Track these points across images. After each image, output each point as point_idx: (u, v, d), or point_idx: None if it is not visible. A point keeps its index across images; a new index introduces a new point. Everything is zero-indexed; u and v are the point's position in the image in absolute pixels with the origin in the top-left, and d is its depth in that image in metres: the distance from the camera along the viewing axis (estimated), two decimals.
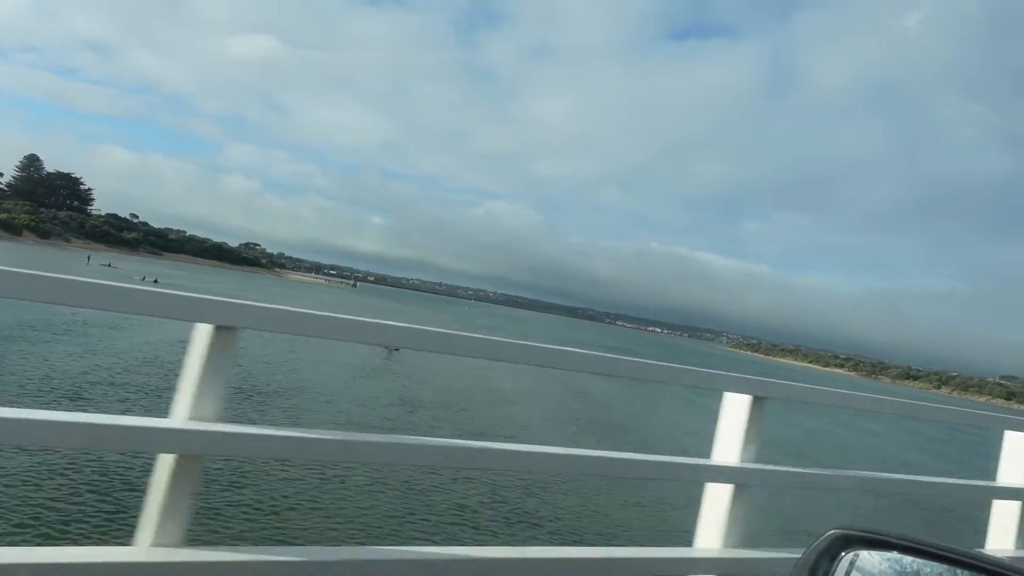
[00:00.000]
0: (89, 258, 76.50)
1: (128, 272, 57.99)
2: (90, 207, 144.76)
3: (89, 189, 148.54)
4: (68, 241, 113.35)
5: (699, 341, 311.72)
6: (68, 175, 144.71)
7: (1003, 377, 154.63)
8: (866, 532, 1.05)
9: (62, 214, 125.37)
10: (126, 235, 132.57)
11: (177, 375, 1.82)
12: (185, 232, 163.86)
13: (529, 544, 6.05)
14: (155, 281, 33.94)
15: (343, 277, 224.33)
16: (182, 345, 1.86)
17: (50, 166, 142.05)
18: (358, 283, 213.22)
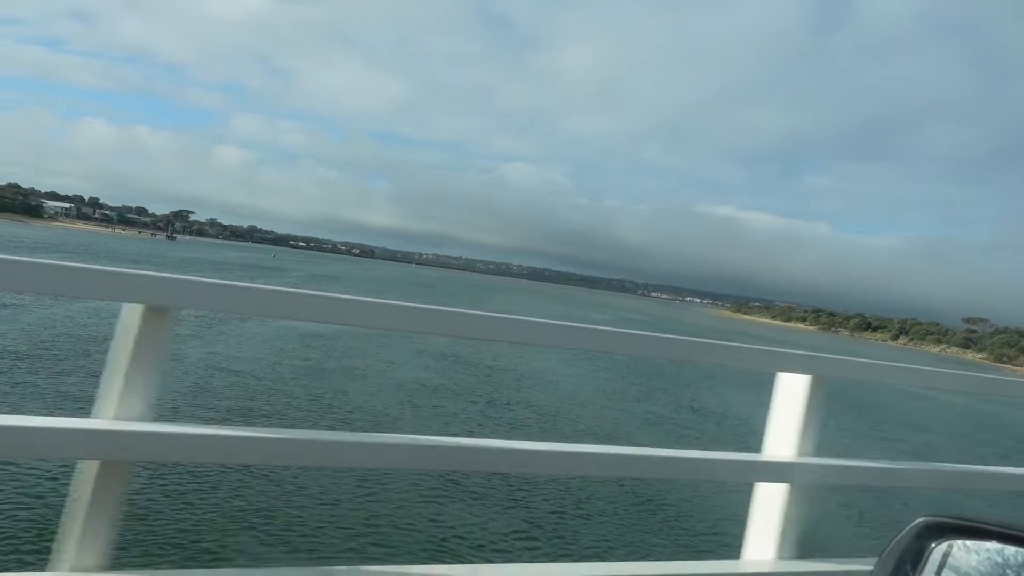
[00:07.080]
0: None
1: None
2: None
3: None
4: None
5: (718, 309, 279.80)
6: None
7: (967, 320, 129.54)
8: (960, 519, 0.92)
9: None
10: None
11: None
12: None
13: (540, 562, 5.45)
14: None
15: (158, 229, 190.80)
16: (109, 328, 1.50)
17: (28, 143, 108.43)
18: (178, 236, 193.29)
